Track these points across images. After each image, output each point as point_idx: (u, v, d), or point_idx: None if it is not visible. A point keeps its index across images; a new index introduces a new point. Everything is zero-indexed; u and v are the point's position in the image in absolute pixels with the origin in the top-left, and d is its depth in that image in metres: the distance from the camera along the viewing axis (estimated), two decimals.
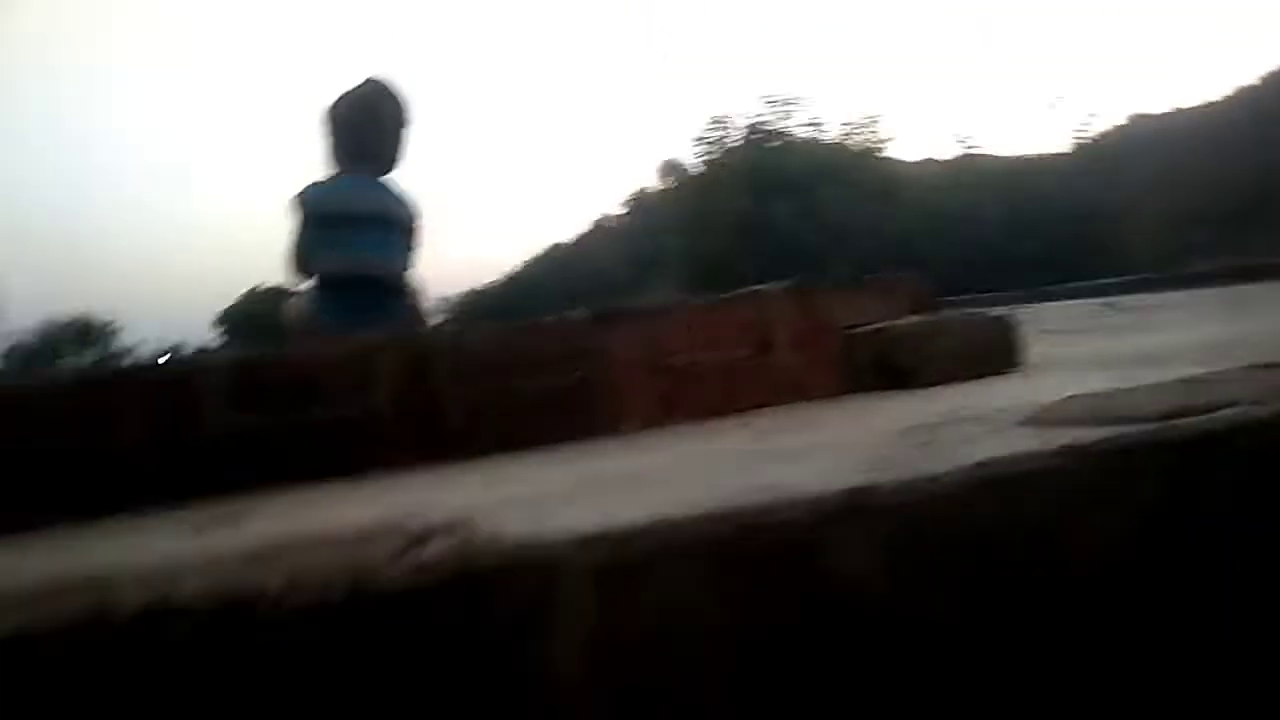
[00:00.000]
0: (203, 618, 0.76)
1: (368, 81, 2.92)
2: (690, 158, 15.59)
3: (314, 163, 2.98)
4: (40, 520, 1.42)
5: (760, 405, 1.80)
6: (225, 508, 1.35)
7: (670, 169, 18.02)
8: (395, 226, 2.91)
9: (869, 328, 1.89)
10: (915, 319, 1.90)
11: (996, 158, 13.67)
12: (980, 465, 0.94)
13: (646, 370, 1.78)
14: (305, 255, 2.81)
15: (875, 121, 14.25)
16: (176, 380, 1.56)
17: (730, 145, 14.39)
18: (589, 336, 1.75)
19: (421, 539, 0.89)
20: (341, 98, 2.92)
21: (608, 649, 0.81)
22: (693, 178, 15.30)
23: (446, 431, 1.65)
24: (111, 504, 1.49)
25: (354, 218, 2.80)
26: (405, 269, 2.96)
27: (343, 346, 1.70)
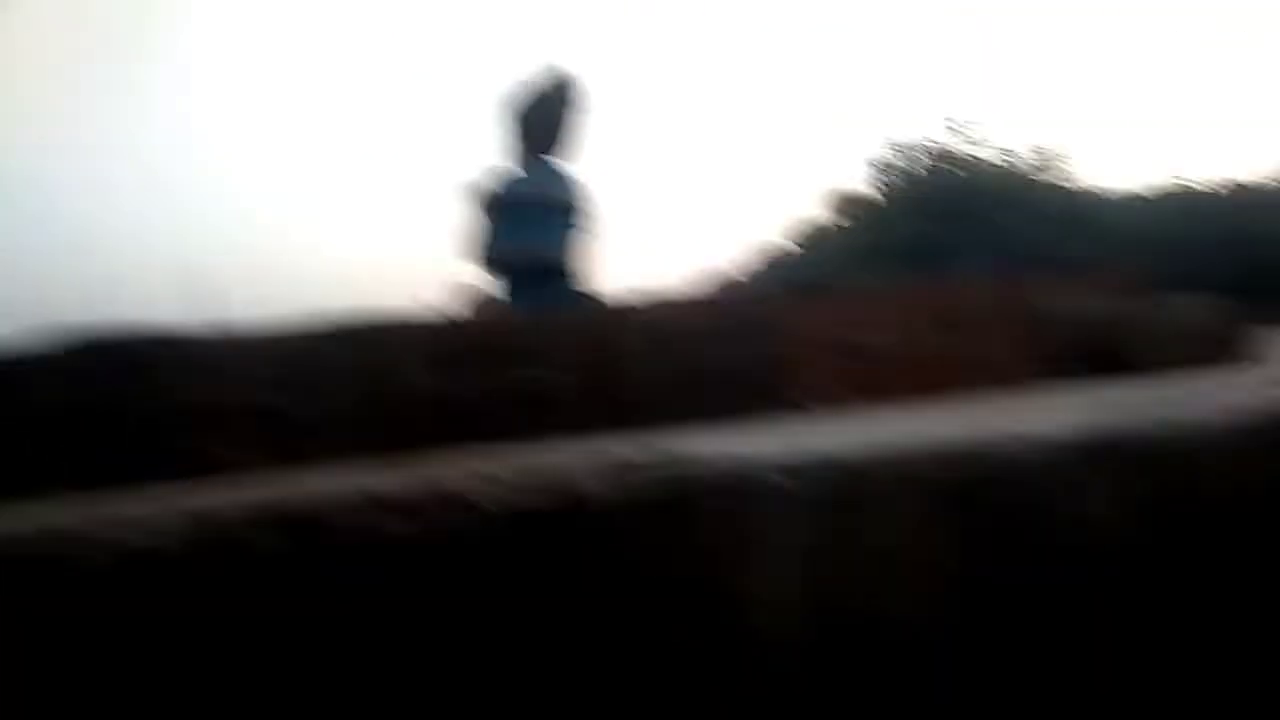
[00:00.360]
0: (409, 514, 0.75)
1: (547, 72, 3.02)
2: (864, 185, 15.30)
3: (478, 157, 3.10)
4: (250, 467, 1.49)
5: (954, 392, 1.70)
6: (423, 458, 1.37)
7: (842, 197, 17.70)
8: (571, 213, 3.00)
9: (1075, 315, 1.75)
10: (1126, 306, 1.75)
11: (1197, 186, 12.76)
12: (1256, 414, 0.83)
13: (834, 351, 1.71)
14: (487, 241, 2.93)
15: (1066, 147, 13.63)
16: (378, 341, 1.62)
17: (909, 172, 14.04)
18: (775, 314, 1.71)
19: (628, 465, 0.86)
20: (522, 88, 3.03)
21: (821, 577, 0.76)
22: (867, 205, 14.99)
23: (630, 401, 1.63)
24: (309, 457, 1.55)
25: (533, 204, 2.89)
26: (580, 255, 3.04)
27: (531, 317, 1.72)
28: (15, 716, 0.69)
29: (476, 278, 3.07)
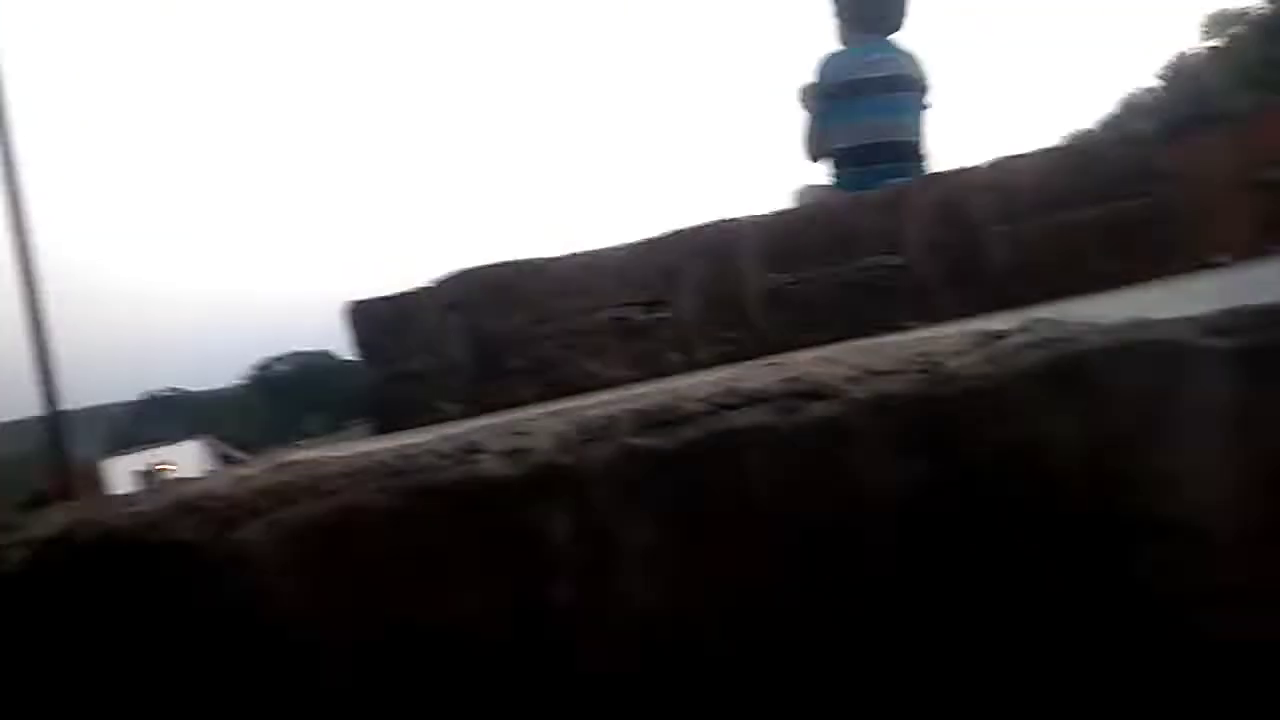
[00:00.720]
0: (759, 408, 0.73)
1: None
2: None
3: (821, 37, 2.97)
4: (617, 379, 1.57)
5: None
6: (780, 355, 1.36)
7: (1220, 20, 15.25)
8: (909, 88, 2.83)
9: None
10: None
11: None
12: None
13: (1237, 188, 1.46)
14: (822, 130, 2.83)
15: None
16: (715, 243, 1.62)
17: None
18: (1159, 155, 1.48)
19: (997, 336, 0.78)
20: None
21: (1261, 450, 0.64)
22: (1253, 21, 12.72)
23: (989, 276, 1.50)
24: (665, 365, 1.60)
25: (868, 84, 2.75)
26: (921, 131, 2.85)
27: (870, 199, 1.63)
28: None
29: (815, 170, 2.98)
